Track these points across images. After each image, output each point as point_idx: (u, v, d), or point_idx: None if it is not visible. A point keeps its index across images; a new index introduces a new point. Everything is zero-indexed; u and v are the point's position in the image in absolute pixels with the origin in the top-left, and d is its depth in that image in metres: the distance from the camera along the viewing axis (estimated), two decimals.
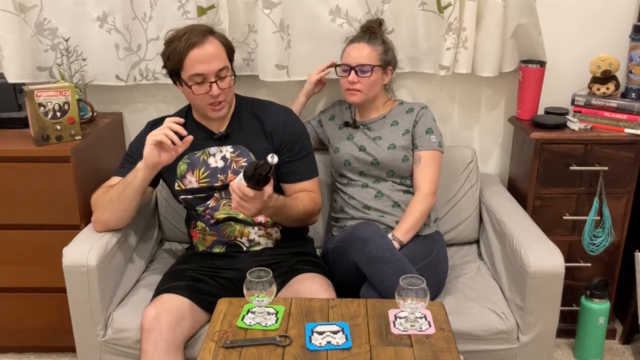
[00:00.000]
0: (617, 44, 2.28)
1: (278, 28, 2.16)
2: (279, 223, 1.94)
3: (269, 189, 1.65)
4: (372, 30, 2.11)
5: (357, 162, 2.10)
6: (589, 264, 2.27)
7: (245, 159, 1.91)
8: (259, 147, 1.91)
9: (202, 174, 1.91)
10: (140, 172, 1.78)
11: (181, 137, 1.74)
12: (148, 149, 1.74)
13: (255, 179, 1.59)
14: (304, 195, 1.93)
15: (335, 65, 2.16)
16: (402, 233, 1.97)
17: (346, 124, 2.17)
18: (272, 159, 1.53)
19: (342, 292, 1.83)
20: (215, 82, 1.81)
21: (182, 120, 1.75)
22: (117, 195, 1.84)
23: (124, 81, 2.29)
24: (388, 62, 2.07)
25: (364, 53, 2.03)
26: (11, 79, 2.23)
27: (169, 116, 2.01)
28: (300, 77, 2.27)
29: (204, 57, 1.78)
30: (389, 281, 1.69)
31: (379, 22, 2.17)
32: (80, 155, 2.07)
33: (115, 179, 1.93)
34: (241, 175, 1.64)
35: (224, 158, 1.92)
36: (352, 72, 2.03)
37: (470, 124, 2.47)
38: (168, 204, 2.31)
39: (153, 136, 1.73)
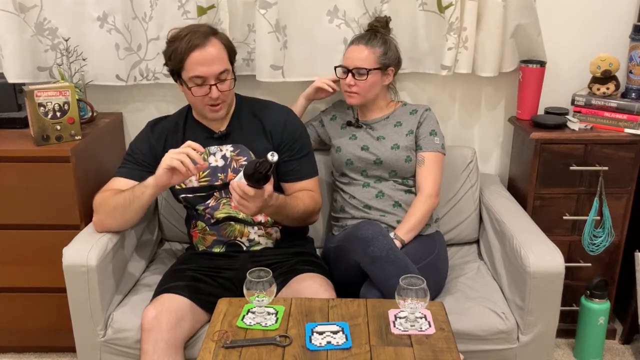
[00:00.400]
0: (617, 44, 2.28)
1: (273, 28, 2.16)
2: (279, 222, 1.94)
3: (269, 187, 1.65)
4: (375, 30, 2.10)
5: (360, 162, 2.10)
6: (589, 264, 2.27)
7: (246, 158, 1.91)
8: (259, 146, 1.91)
9: (203, 172, 1.91)
10: (149, 189, 1.78)
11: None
12: (162, 172, 1.72)
13: (256, 177, 1.59)
14: (304, 194, 1.93)
15: (335, 67, 2.15)
16: (404, 232, 1.97)
17: (349, 124, 2.17)
18: (273, 157, 1.53)
19: (342, 292, 1.83)
20: (215, 84, 1.80)
21: (202, 149, 1.72)
22: (122, 206, 1.83)
23: (124, 81, 2.29)
24: (388, 64, 2.06)
25: (361, 55, 2.02)
26: (11, 79, 2.23)
27: (169, 116, 2.03)
28: (297, 78, 2.27)
29: (205, 60, 1.78)
30: (392, 281, 1.69)
31: (386, 22, 2.14)
32: (80, 155, 2.07)
33: (116, 180, 1.92)
34: (241, 174, 1.63)
35: (224, 157, 1.92)
36: (350, 74, 2.03)
37: (471, 124, 2.47)
38: (168, 204, 2.31)
39: (169, 160, 1.69)
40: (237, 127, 1.95)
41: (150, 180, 1.77)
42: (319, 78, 2.20)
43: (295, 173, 1.95)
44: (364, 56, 2.02)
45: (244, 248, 1.96)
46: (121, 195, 1.84)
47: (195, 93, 1.82)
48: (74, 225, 2.07)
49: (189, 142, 1.72)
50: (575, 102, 2.23)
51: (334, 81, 2.18)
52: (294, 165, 1.95)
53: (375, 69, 2.02)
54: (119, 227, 1.93)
